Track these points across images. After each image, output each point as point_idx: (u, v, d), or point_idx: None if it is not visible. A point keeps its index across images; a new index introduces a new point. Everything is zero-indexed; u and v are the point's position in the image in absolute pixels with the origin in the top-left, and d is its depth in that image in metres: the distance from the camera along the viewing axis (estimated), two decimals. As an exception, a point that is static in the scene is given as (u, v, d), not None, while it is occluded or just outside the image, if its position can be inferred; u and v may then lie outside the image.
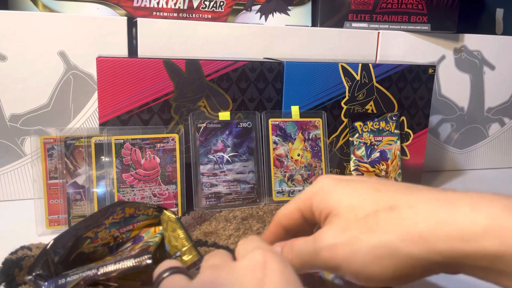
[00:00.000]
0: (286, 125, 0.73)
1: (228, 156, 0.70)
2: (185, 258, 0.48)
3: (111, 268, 0.43)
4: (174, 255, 0.49)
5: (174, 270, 0.37)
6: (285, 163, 0.72)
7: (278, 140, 0.72)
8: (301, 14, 0.89)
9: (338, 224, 0.35)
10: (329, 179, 0.39)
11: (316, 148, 0.74)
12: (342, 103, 0.75)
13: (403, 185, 0.37)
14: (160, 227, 0.52)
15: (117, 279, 0.47)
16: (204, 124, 0.69)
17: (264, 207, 0.70)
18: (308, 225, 0.41)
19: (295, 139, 0.73)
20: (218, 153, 0.69)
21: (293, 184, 0.72)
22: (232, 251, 0.55)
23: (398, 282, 0.33)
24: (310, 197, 0.39)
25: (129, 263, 0.43)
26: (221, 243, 0.58)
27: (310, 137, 0.74)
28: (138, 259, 0.43)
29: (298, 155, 0.73)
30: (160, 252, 0.50)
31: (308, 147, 0.74)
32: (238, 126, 0.71)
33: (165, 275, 0.37)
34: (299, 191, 0.73)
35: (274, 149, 0.72)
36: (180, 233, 0.50)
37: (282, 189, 0.72)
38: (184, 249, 0.49)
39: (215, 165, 0.69)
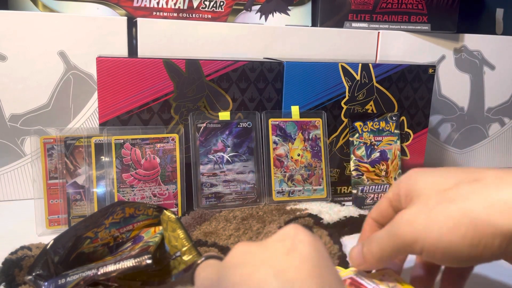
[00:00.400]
0: (286, 125, 0.73)
1: (228, 156, 0.70)
2: (185, 258, 0.48)
3: (111, 268, 0.43)
4: (174, 255, 0.49)
5: (208, 256, 0.41)
6: (285, 163, 0.72)
7: (278, 140, 0.72)
8: (301, 14, 0.89)
9: (419, 201, 0.35)
10: (417, 169, 0.38)
11: (316, 148, 0.74)
12: (342, 103, 0.75)
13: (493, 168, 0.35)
14: (160, 227, 0.52)
15: (117, 279, 0.47)
16: (204, 124, 0.69)
17: (264, 207, 0.70)
18: (392, 210, 0.40)
19: (295, 139, 0.73)
20: (218, 153, 0.69)
21: (293, 184, 0.72)
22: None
23: (475, 257, 0.32)
24: (398, 186, 0.38)
25: (129, 263, 0.43)
26: (221, 243, 0.58)
27: (310, 137, 0.74)
28: (138, 259, 0.43)
29: (298, 155, 0.73)
30: (160, 252, 0.50)
31: (308, 147, 0.74)
32: (238, 126, 0.71)
33: (200, 261, 0.40)
34: (299, 191, 0.73)
35: (274, 149, 0.72)
36: (180, 233, 0.50)
37: (282, 189, 0.72)
38: (184, 249, 0.48)
39: (215, 165, 0.69)
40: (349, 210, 0.70)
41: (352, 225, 0.66)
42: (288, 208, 0.69)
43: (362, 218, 0.67)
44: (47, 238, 0.49)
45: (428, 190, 0.35)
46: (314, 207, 0.70)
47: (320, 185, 0.74)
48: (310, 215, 0.66)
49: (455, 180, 0.34)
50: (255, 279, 0.28)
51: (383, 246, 0.36)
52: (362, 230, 0.43)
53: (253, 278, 0.28)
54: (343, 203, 0.74)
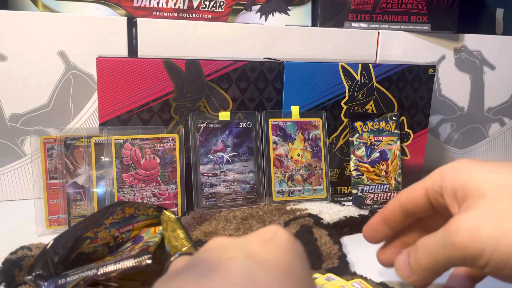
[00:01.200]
0: (286, 125, 0.73)
1: (228, 156, 0.70)
2: (185, 258, 0.48)
3: (111, 268, 0.43)
4: (174, 255, 0.49)
5: (182, 253, 0.38)
6: (285, 163, 0.72)
7: (278, 140, 0.72)
8: (301, 14, 0.89)
9: (484, 204, 0.28)
10: (467, 159, 0.32)
11: (316, 148, 0.74)
12: (342, 103, 0.75)
13: None
14: (160, 227, 0.52)
15: (117, 279, 0.47)
16: (204, 124, 0.69)
17: (264, 207, 0.70)
18: (432, 211, 0.35)
19: (295, 139, 0.73)
20: (218, 153, 0.69)
21: (293, 184, 0.72)
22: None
23: None
24: (441, 174, 0.32)
25: (129, 263, 0.43)
26: (221, 243, 0.58)
27: (310, 137, 0.74)
28: (138, 259, 0.43)
29: (298, 155, 0.73)
30: (160, 252, 0.50)
31: (308, 147, 0.74)
32: (238, 126, 0.71)
33: (172, 258, 0.38)
34: (299, 191, 0.73)
35: (274, 149, 0.72)
36: (180, 233, 0.50)
37: (282, 189, 0.72)
38: (184, 249, 0.48)
39: (215, 165, 0.69)
40: (349, 210, 0.70)
41: (352, 225, 0.66)
42: (288, 208, 0.69)
43: (362, 218, 0.67)
44: (47, 238, 0.49)
45: (493, 189, 0.29)
46: (314, 207, 0.70)
47: (320, 185, 0.74)
48: (310, 215, 0.66)
49: None
50: (225, 258, 0.26)
51: (435, 256, 0.31)
52: (383, 209, 0.37)
53: (223, 256, 0.26)
54: (343, 203, 0.74)
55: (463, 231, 0.28)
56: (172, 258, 0.40)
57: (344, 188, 0.78)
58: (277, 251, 0.27)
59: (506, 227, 0.27)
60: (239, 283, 0.23)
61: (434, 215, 0.35)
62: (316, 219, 0.65)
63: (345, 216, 0.67)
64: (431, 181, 0.33)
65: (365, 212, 0.69)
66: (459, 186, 0.31)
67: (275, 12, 0.87)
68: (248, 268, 0.24)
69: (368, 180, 0.76)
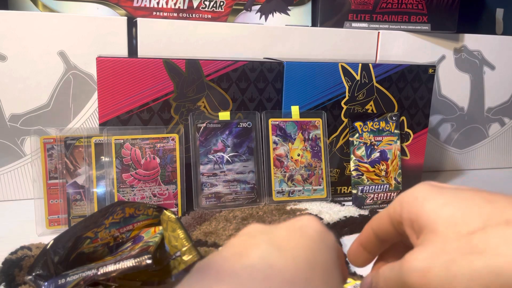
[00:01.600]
0: (286, 125, 0.73)
1: (228, 156, 0.70)
2: (185, 258, 0.48)
3: (111, 268, 0.43)
4: (174, 255, 0.49)
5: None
6: (285, 163, 0.72)
7: (278, 140, 0.72)
8: (301, 14, 0.89)
9: (434, 242, 0.28)
10: (427, 186, 0.31)
11: (316, 148, 0.74)
12: (342, 103, 0.75)
13: None
14: (160, 227, 0.52)
15: (117, 279, 0.47)
16: (204, 124, 0.69)
17: (264, 207, 0.70)
18: (400, 237, 0.34)
19: (295, 139, 0.73)
20: (218, 153, 0.69)
21: (293, 184, 0.72)
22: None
23: None
24: (401, 202, 0.32)
25: (129, 263, 0.43)
26: (221, 243, 0.58)
27: (310, 137, 0.74)
28: (138, 259, 0.43)
29: (298, 155, 0.73)
30: (160, 252, 0.50)
31: (308, 147, 0.74)
32: (238, 126, 0.71)
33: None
34: (299, 191, 0.73)
35: (274, 149, 0.72)
36: (180, 233, 0.50)
37: (282, 189, 0.72)
38: (184, 249, 0.48)
39: (215, 165, 0.69)
40: (349, 210, 0.70)
41: (352, 225, 0.66)
42: (288, 208, 0.69)
43: (362, 218, 0.67)
44: (47, 238, 0.49)
45: (445, 227, 0.28)
46: (314, 207, 0.70)
47: (320, 185, 0.74)
48: (310, 215, 0.66)
49: (480, 219, 0.27)
50: (250, 243, 0.27)
51: None
52: (361, 235, 0.37)
53: (248, 242, 0.27)
54: (343, 203, 0.74)
55: (413, 270, 0.28)
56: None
57: (344, 188, 0.78)
58: (302, 239, 0.27)
59: (455, 271, 0.26)
60: (255, 265, 0.25)
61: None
62: (316, 219, 0.65)
63: (345, 216, 0.67)
64: (393, 209, 0.32)
65: (365, 212, 0.69)
66: (414, 218, 0.30)
67: (275, 12, 0.87)
68: (268, 253, 0.26)
69: (368, 180, 0.76)
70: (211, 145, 0.69)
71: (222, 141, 0.70)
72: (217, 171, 0.69)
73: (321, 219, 0.65)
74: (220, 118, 0.70)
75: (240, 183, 0.70)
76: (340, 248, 0.30)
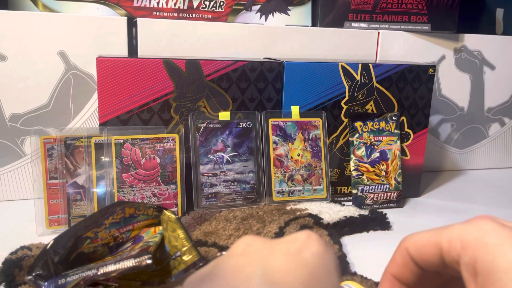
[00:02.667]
0: (286, 125, 0.73)
1: (228, 156, 0.70)
2: (185, 258, 0.48)
3: (111, 268, 0.43)
4: (174, 255, 0.49)
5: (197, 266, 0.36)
6: (285, 163, 0.72)
7: (278, 140, 0.72)
8: (301, 14, 0.89)
9: None
10: (493, 224, 0.26)
11: (316, 148, 0.74)
12: (342, 103, 0.75)
13: None
14: (160, 227, 0.52)
15: (117, 279, 0.47)
16: (204, 124, 0.69)
17: (264, 207, 0.70)
18: (445, 269, 0.29)
19: (295, 139, 0.73)
20: (218, 153, 0.69)
21: (293, 184, 0.72)
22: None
23: None
24: (463, 244, 0.26)
25: (129, 263, 0.43)
26: (221, 243, 0.58)
27: (310, 137, 0.74)
28: (138, 259, 0.43)
29: (298, 155, 0.73)
30: (160, 252, 0.50)
31: (308, 147, 0.74)
32: (238, 126, 0.71)
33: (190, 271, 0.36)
34: (299, 191, 0.73)
35: (274, 149, 0.72)
36: (180, 233, 0.50)
37: (282, 189, 0.72)
38: (184, 249, 0.49)
39: (215, 165, 0.69)
40: (349, 210, 0.70)
41: (352, 225, 0.66)
42: (288, 208, 0.69)
43: (362, 218, 0.68)
44: (47, 238, 0.49)
45: None
46: (314, 207, 0.70)
47: (320, 185, 0.74)
48: (310, 215, 0.66)
49: None
50: (243, 274, 0.25)
51: None
52: (391, 261, 0.31)
53: (242, 271, 0.25)
54: (343, 203, 0.74)
55: None
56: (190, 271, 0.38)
57: (344, 188, 0.78)
58: (301, 268, 0.25)
59: None
60: None
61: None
62: (316, 219, 0.65)
63: (345, 216, 0.67)
64: (449, 245, 0.27)
65: (365, 212, 0.69)
66: (482, 269, 0.25)
67: (275, 12, 0.87)
68: None
69: (368, 180, 0.76)
70: (211, 145, 0.69)
71: (222, 141, 0.70)
72: (217, 171, 0.69)
73: (321, 219, 0.65)
74: (220, 118, 0.70)
75: (240, 183, 0.70)
76: (338, 268, 0.28)
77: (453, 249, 0.27)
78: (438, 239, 0.28)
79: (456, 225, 0.27)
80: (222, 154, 0.70)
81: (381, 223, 0.68)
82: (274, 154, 0.72)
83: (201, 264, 0.47)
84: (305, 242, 0.27)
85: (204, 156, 0.69)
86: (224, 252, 0.39)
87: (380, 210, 0.71)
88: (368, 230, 0.67)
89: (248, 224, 0.63)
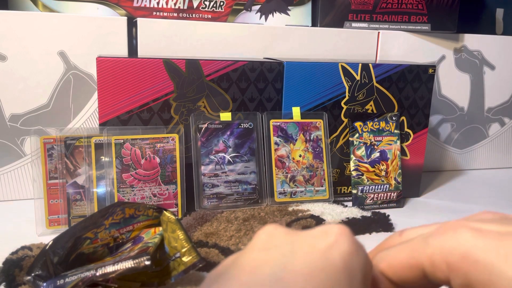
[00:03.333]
0: (287, 126, 0.73)
1: (230, 157, 0.70)
2: (185, 259, 0.48)
3: (109, 269, 0.43)
4: (173, 256, 0.49)
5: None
6: (287, 164, 0.72)
7: (280, 141, 0.72)
8: (301, 14, 0.89)
9: None
10: (472, 235, 0.24)
11: (317, 149, 0.74)
12: (342, 103, 0.75)
13: None
14: (160, 228, 0.52)
15: (117, 280, 0.46)
16: (206, 125, 0.69)
17: (266, 208, 0.69)
18: (426, 281, 0.27)
19: (296, 140, 0.73)
20: (220, 154, 0.69)
21: (295, 185, 0.72)
22: (232, 253, 0.55)
23: None
24: (449, 266, 0.25)
25: (128, 264, 0.43)
26: (222, 244, 0.58)
27: (312, 138, 0.74)
28: (137, 260, 0.43)
29: (300, 156, 0.73)
30: (160, 253, 0.50)
31: (309, 148, 0.74)
32: (240, 126, 0.71)
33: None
34: (301, 192, 0.73)
35: (275, 150, 0.72)
36: (180, 234, 0.50)
37: (284, 190, 0.72)
38: (183, 250, 0.48)
39: (217, 166, 0.69)
40: (352, 211, 0.70)
41: (354, 226, 0.66)
42: (290, 209, 0.69)
43: (364, 219, 0.67)
44: (47, 238, 0.49)
45: None
46: (316, 208, 0.70)
47: (322, 186, 0.74)
48: (312, 216, 0.66)
49: None
50: (258, 277, 0.23)
51: None
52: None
53: (259, 272, 0.23)
54: (345, 204, 0.74)
55: None
56: None
57: (344, 188, 0.78)
58: (324, 273, 0.22)
59: None
60: None
61: None
62: (318, 221, 0.65)
63: (348, 218, 0.67)
64: (432, 267, 0.26)
65: (367, 214, 0.69)
66: (478, 284, 0.24)
67: (275, 12, 0.87)
68: None
69: (368, 180, 0.76)
70: (213, 146, 0.69)
71: (223, 141, 0.70)
72: (219, 171, 0.69)
73: (323, 220, 0.65)
74: (222, 119, 0.70)
75: (242, 183, 0.70)
76: (370, 268, 0.25)
77: (439, 270, 0.25)
78: (418, 261, 0.26)
79: (431, 241, 0.25)
80: (223, 154, 0.69)
81: (384, 225, 0.68)
82: (276, 155, 0.72)
83: (200, 265, 0.47)
84: (336, 238, 0.24)
85: (205, 157, 0.69)
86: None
87: (382, 212, 0.71)
88: (370, 231, 0.67)
89: (250, 225, 0.63)
